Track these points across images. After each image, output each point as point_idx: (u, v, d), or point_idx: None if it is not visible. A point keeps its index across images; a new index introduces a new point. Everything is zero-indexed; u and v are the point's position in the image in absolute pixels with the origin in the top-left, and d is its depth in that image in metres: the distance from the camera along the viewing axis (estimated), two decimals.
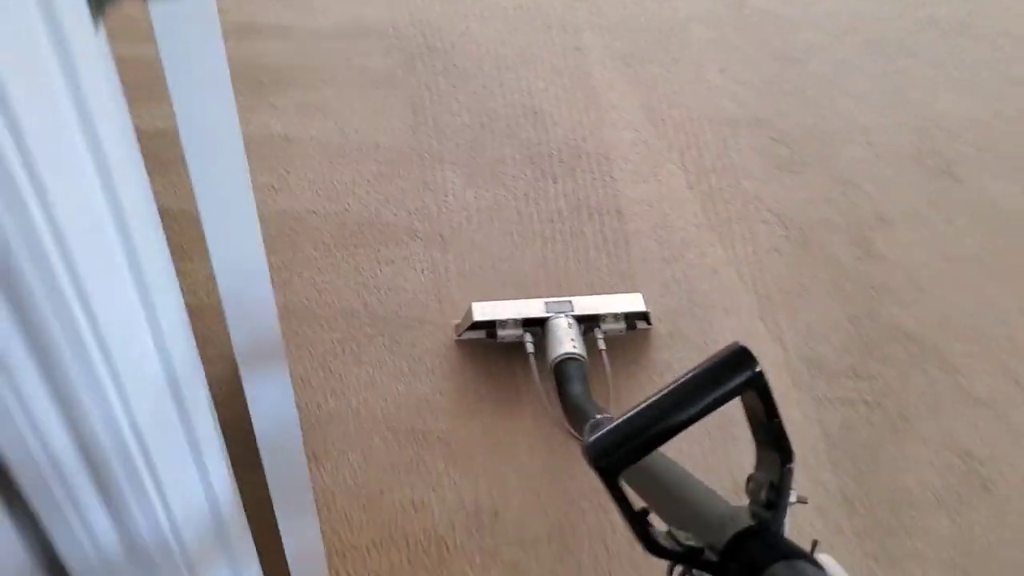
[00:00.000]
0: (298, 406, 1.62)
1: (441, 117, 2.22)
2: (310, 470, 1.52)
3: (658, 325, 1.80)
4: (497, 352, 1.73)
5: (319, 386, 1.67)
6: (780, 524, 0.76)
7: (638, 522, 0.74)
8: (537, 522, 1.51)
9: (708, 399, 0.73)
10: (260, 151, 2.09)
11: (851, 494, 1.56)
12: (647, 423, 0.73)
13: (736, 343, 0.74)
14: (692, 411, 0.73)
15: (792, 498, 0.77)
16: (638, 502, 0.75)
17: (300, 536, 0.91)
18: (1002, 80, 2.38)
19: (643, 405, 0.74)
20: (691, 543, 0.76)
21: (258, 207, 1.82)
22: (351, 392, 1.66)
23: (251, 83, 2.25)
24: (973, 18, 2.56)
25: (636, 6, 2.57)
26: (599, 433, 0.74)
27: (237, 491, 0.72)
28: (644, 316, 1.74)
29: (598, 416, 1.31)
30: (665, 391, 0.74)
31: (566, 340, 1.61)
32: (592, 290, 1.84)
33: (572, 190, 2.06)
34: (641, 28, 2.51)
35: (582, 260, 1.91)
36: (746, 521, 0.76)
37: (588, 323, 1.70)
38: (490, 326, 1.70)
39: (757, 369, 0.72)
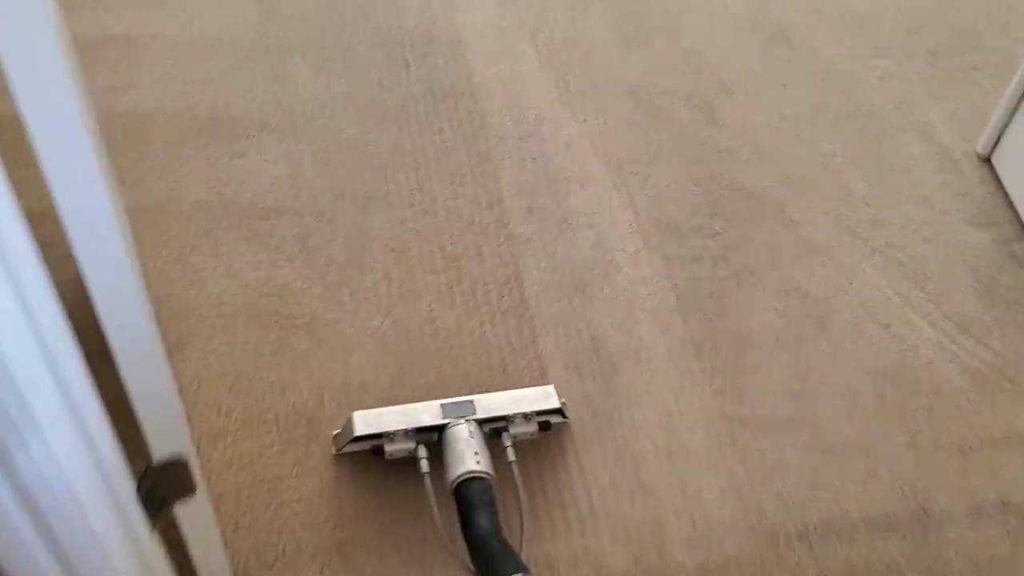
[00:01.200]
0: (157, 299, 1.63)
1: (287, 6, 2.18)
2: (173, 360, 1.53)
3: (517, 201, 1.84)
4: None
5: (178, 278, 1.67)
6: None
7: None
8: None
9: None
10: (101, 52, 2.03)
11: (699, 339, 1.65)
12: None
13: None
14: None
15: None
16: None
17: (163, 425, 0.93)
18: None
19: None
20: None
21: (101, 110, 1.79)
22: (211, 283, 1.67)
23: None
24: None
25: None
26: None
27: (95, 389, 0.73)
28: (559, 412, 1.48)
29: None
30: None
31: (468, 454, 1.35)
32: (449, 174, 1.87)
33: (425, 74, 2.06)
34: None
35: (438, 141, 1.93)
36: None
37: (493, 425, 1.45)
38: (376, 438, 1.42)
39: None
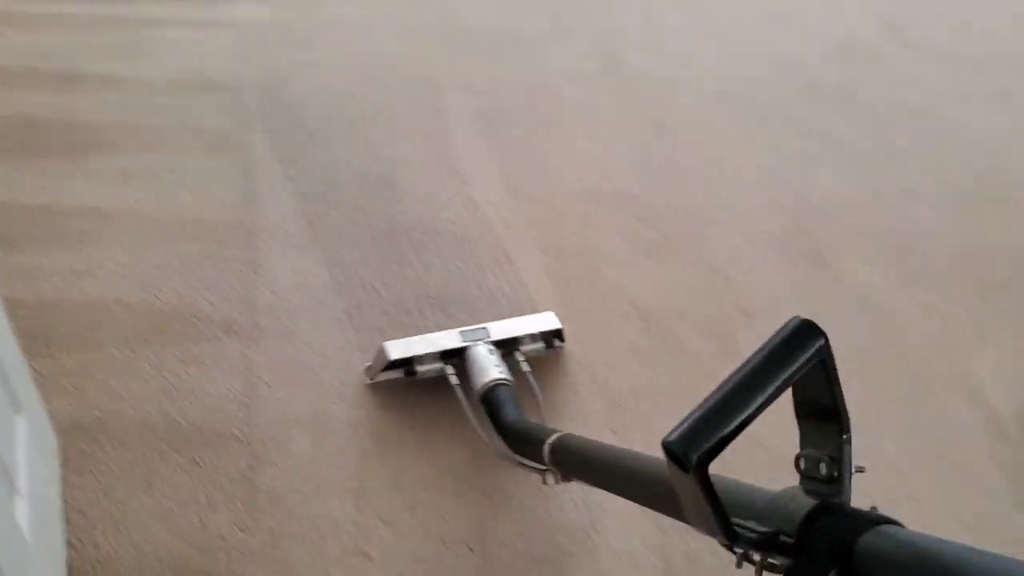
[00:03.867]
0: (70, 544, 1.42)
1: (279, 186, 2.02)
2: None
3: None
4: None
5: (98, 519, 1.46)
6: (847, 495, 0.75)
7: (722, 514, 0.73)
8: None
9: (781, 377, 0.72)
10: (68, 226, 1.87)
11: None
12: (730, 409, 0.71)
13: (798, 318, 0.74)
14: (768, 390, 0.71)
15: (851, 468, 0.76)
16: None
17: None
18: (882, 156, 2.27)
19: (720, 392, 0.72)
20: (764, 529, 0.74)
21: (56, 296, 1.60)
22: (134, 528, 1.45)
23: (68, 145, 2.03)
24: (855, 85, 2.46)
25: (504, 63, 2.41)
26: (681, 428, 0.71)
27: None
28: (559, 334, 1.71)
29: (556, 434, 1.26)
30: (737, 376, 0.73)
31: (490, 367, 1.56)
32: None
33: (417, 276, 1.88)
34: (508, 88, 2.34)
35: None
36: (808, 499, 0.74)
37: (506, 347, 1.65)
38: (407, 363, 1.62)
39: (823, 341, 0.73)
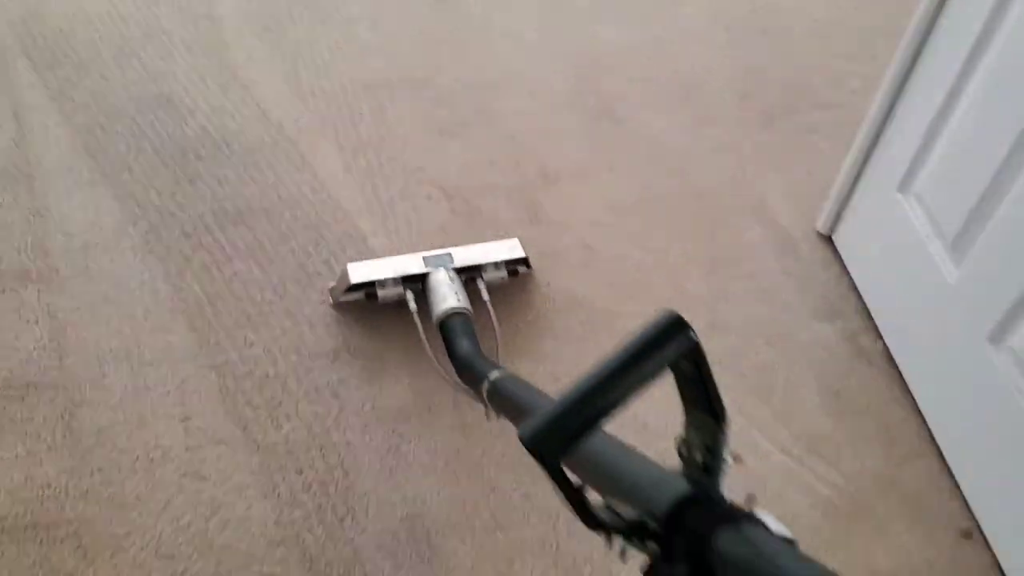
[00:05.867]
0: None
1: (52, 124, 1.92)
2: None
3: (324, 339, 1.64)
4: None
5: None
6: (718, 486, 0.76)
7: (577, 500, 0.72)
8: None
9: (645, 371, 0.70)
10: None
11: None
12: (585, 404, 0.70)
13: (668, 310, 0.71)
14: (629, 385, 0.70)
15: (727, 458, 0.77)
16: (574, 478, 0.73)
17: None
18: (658, 1, 2.32)
19: (580, 386, 0.70)
20: (631, 516, 0.74)
21: None
22: None
23: None
24: None
25: None
26: (536, 420, 0.70)
27: None
28: (524, 261, 1.70)
29: (495, 373, 1.27)
30: (601, 367, 0.71)
31: (450, 294, 1.56)
32: (246, 315, 1.65)
33: (212, 192, 1.83)
34: None
35: (238, 278, 1.71)
36: (684, 487, 0.75)
37: (469, 274, 1.66)
38: (369, 287, 1.63)
39: (693, 338, 0.71)
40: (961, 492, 1.51)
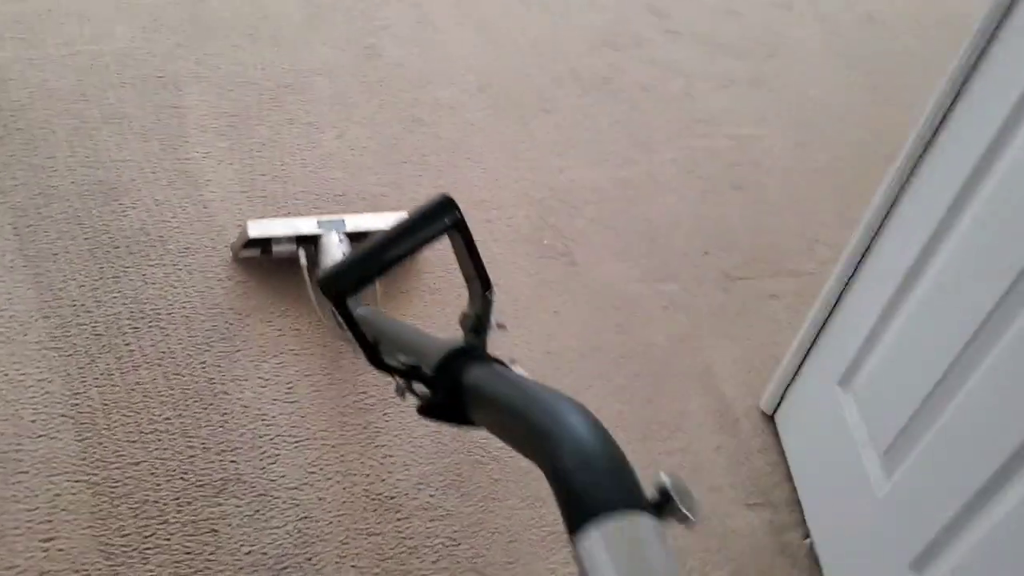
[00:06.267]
0: None
1: None
2: None
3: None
4: None
5: None
6: (483, 344, 0.94)
7: (368, 345, 0.94)
8: None
9: (420, 237, 0.92)
10: None
11: None
12: (370, 257, 0.91)
13: (442, 194, 0.93)
14: (406, 246, 0.92)
15: (492, 324, 0.96)
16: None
17: None
18: (632, 144, 2.27)
19: (366, 243, 0.91)
20: (410, 362, 0.94)
21: None
22: None
23: None
24: (614, 72, 2.45)
25: (252, 57, 2.28)
26: (331, 268, 0.91)
27: None
28: None
29: (364, 310, 1.34)
30: (385, 233, 0.92)
31: (338, 255, 1.67)
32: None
33: (136, 291, 1.76)
34: (255, 81, 2.22)
35: (141, 387, 1.62)
36: (456, 344, 0.93)
37: (359, 240, 1.75)
38: (265, 243, 1.75)
39: (458, 215, 0.92)
40: None
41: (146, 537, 1.44)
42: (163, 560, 1.42)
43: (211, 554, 1.44)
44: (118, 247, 1.83)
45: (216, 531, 1.46)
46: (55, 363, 1.62)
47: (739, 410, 1.77)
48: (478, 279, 0.92)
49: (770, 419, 1.76)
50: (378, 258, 0.89)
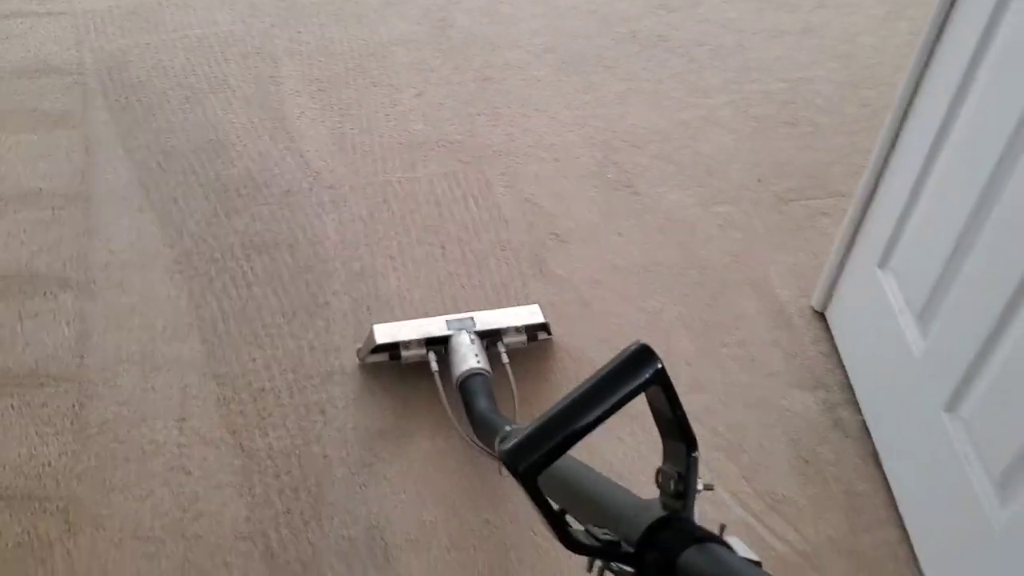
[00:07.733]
0: None
1: (116, 158, 2.12)
2: None
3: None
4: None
5: None
6: (690, 511, 0.80)
7: (557, 521, 0.78)
8: None
9: (615, 397, 0.76)
10: None
11: None
12: (560, 425, 0.76)
13: (638, 342, 0.78)
14: (601, 409, 0.76)
15: (699, 486, 0.82)
16: (555, 504, 0.78)
17: None
18: (689, 92, 2.44)
19: (555, 408, 0.77)
20: (608, 538, 0.79)
21: None
22: None
23: None
24: (670, 31, 2.62)
25: (338, 34, 2.53)
26: (515, 439, 0.76)
27: None
28: (544, 327, 1.77)
29: (508, 427, 1.33)
30: (575, 393, 0.77)
31: (470, 356, 1.62)
32: (254, 335, 1.79)
33: (246, 226, 1.99)
34: (341, 53, 2.47)
35: (254, 301, 1.85)
36: (658, 512, 0.79)
37: (490, 338, 1.73)
38: (393, 348, 1.70)
39: (659, 365, 0.77)
40: (918, 563, 1.51)
41: (264, 418, 1.66)
42: (280, 434, 1.63)
43: (321, 428, 1.65)
44: (228, 191, 2.07)
45: (324, 412, 1.67)
46: (180, 283, 1.87)
47: (793, 310, 1.91)
48: (682, 439, 0.79)
49: (821, 316, 1.90)
50: (571, 425, 0.75)
